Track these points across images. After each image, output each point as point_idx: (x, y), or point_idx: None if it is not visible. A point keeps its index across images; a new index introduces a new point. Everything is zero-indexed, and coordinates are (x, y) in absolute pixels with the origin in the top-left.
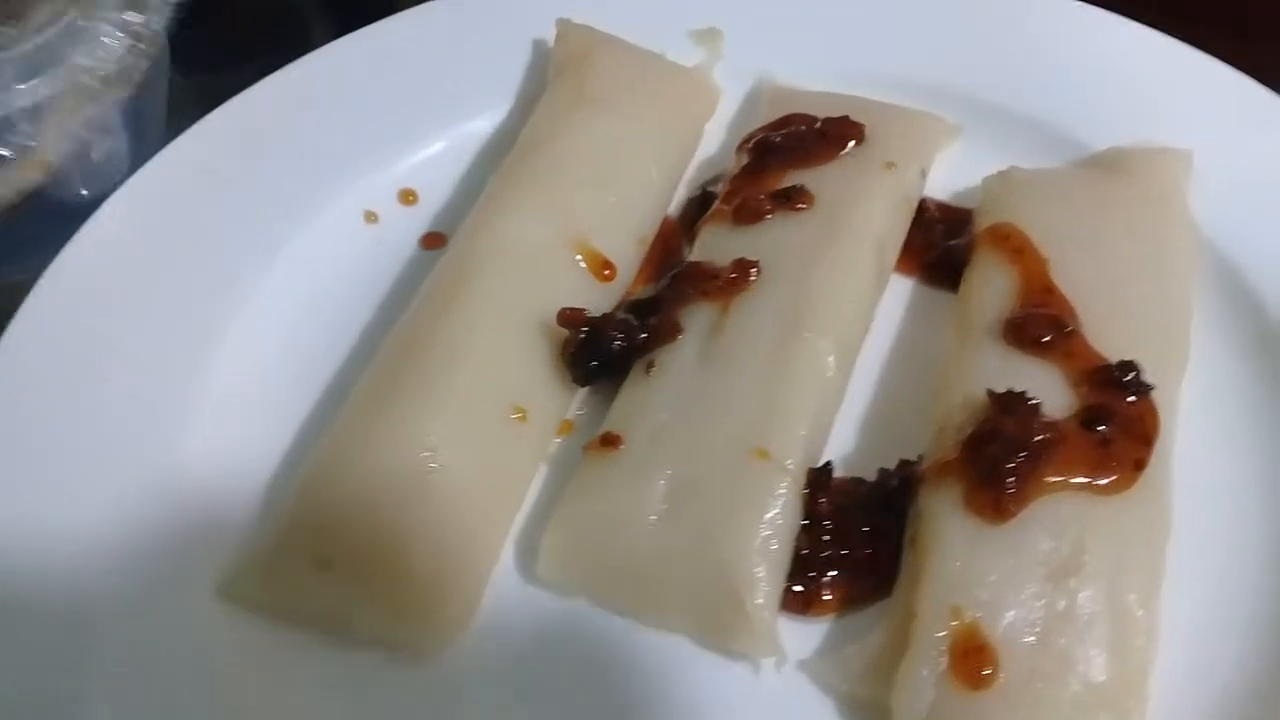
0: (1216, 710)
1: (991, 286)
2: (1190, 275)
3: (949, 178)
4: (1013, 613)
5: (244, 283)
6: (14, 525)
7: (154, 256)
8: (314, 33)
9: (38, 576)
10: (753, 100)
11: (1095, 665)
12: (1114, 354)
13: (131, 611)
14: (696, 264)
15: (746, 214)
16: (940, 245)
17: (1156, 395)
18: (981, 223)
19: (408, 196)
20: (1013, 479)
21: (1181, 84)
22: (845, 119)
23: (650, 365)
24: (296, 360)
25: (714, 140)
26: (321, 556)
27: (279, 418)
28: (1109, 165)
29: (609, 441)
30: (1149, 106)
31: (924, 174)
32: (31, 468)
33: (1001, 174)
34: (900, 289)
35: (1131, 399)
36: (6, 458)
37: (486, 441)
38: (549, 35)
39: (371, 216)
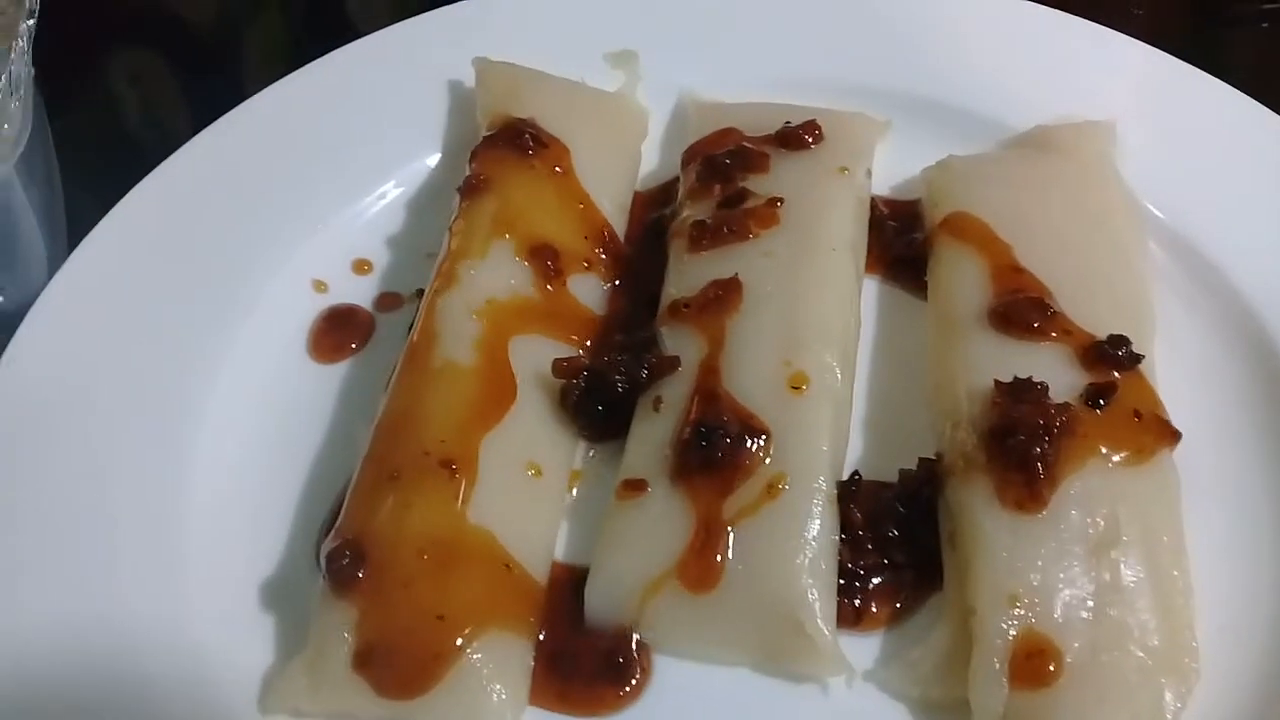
0: (1254, 647)
1: (962, 277)
2: (1139, 240)
3: (884, 172)
4: (1066, 592)
5: (206, 365)
6: None
7: (103, 344)
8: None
9: None
10: (678, 116)
11: (1148, 630)
12: (1095, 328)
13: None
14: (676, 300)
15: (717, 235)
16: (896, 242)
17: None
18: (934, 215)
19: (361, 266)
20: (1042, 466)
21: (1093, 59)
22: (811, 123)
23: (658, 401)
24: (274, 444)
25: (647, 160)
26: (365, 653)
27: (269, 512)
28: (1038, 144)
29: (634, 487)
30: (1063, 83)
31: (869, 174)
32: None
33: (941, 164)
34: (866, 289)
35: (1122, 372)
36: None
37: (516, 505)
38: (465, 75)
39: (321, 286)
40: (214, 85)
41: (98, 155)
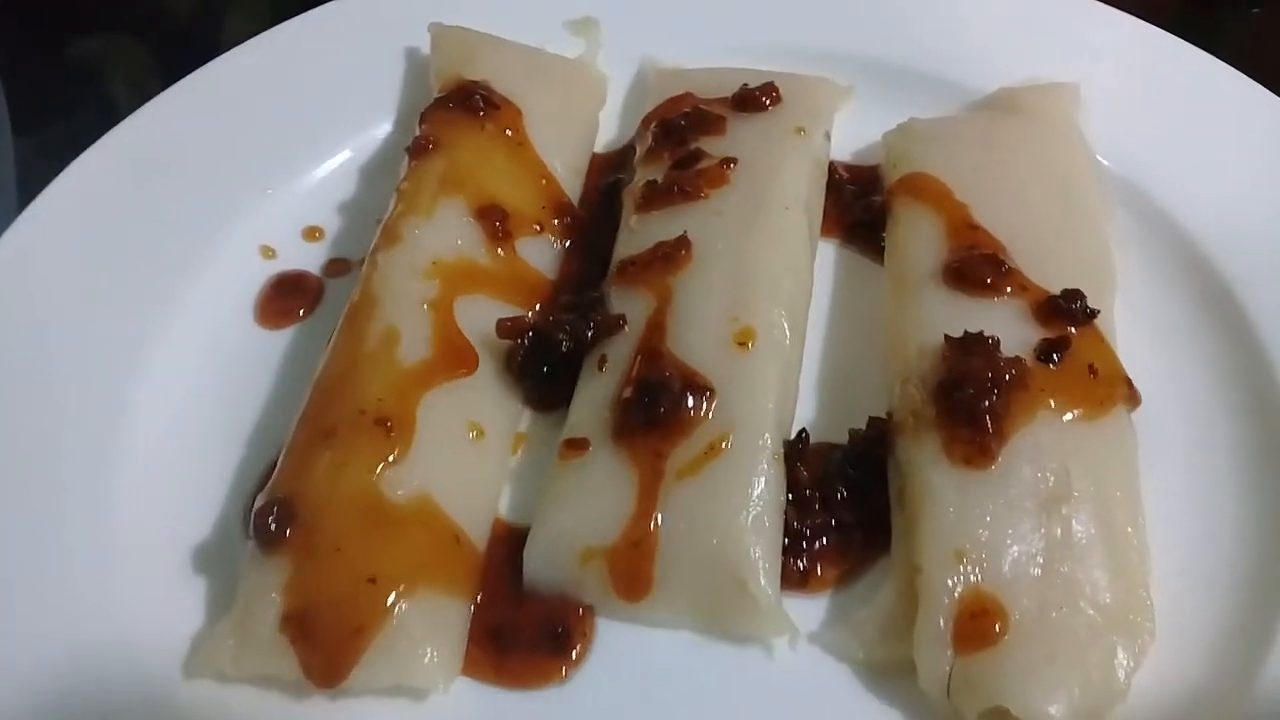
0: (1212, 608)
1: (919, 236)
2: (1101, 200)
3: (846, 138)
4: (1015, 548)
5: (149, 331)
6: None
7: (49, 306)
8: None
9: None
10: (639, 84)
11: (1100, 588)
12: (1051, 285)
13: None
14: (624, 259)
15: (667, 196)
16: (855, 205)
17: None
18: (891, 177)
19: (313, 233)
20: (990, 420)
21: (1057, 21)
22: (769, 85)
23: (603, 360)
24: (215, 409)
25: (609, 128)
26: (294, 618)
27: (210, 475)
28: (1002, 106)
29: (576, 446)
30: (1028, 46)
31: (828, 137)
32: None
33: (901, 127)
34: (823, 252)
35: (1077, 327)
36: None
37: (454, 466)
38: (422, 43)
39: (269, 252)
40: (186, 56)
41: (55, 120)
